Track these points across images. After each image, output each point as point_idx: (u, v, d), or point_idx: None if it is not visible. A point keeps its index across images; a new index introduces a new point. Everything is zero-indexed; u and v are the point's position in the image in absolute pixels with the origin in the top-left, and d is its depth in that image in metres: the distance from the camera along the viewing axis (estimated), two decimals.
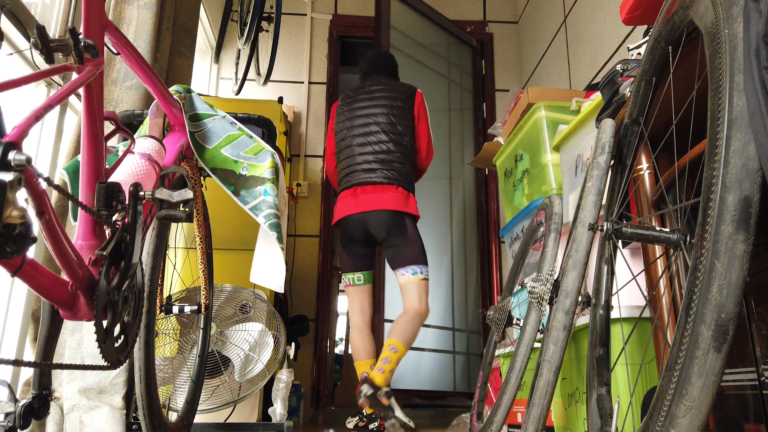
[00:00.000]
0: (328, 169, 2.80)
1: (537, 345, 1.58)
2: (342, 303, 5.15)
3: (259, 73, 3.24)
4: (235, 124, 1.69)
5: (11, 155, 0.66)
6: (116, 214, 0.96)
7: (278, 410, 2.05)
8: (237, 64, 3.65)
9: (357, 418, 2.49)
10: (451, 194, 3.84)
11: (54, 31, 1.94)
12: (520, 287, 2.02)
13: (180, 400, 1.75)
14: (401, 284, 2.51)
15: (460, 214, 3.85)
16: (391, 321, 3.04)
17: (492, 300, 3.71)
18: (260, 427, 2.01)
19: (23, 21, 1.67)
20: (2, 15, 1.59)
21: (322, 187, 3.76)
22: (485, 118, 4.03)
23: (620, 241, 1.18)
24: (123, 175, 1.22)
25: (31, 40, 0.92)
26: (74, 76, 0.94)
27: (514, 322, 1.62)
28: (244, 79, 3.10)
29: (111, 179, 1.08)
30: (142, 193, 1.01)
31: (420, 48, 3.83)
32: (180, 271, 2.27)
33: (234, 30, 3.63)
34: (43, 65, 1.13)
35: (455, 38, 4.09)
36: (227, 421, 2.00)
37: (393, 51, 3.37)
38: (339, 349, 5.49)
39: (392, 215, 2.47)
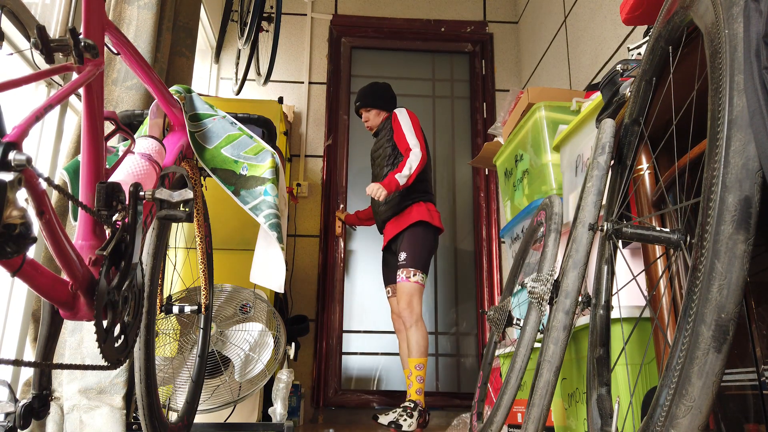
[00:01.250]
0: (425, 159, 2.89)
1: (537, 345, 1.58)
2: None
3: (259, 73, 3.24)
4: (235, 124, 1.69)
5: (11, 155, 0.66)
6: (116, 214, 0.96)
7: (278, 410, 2.04)
8: (237, 64, 3.64)
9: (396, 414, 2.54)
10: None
11: (54, 31, 1.94)
12: (520, 287, 2.02)
13: (180, 400, 1.75)
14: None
15: (448, 225, 3.86)
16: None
17: (492, 300, 3.70)
18: (260, 427, 2.01)
19: (23, 21, 1.67)
20: (2, 15, 1.59)
21: (322, 187, 3.75)
22: (485, 119, 4.03)
23: (620, 241, 1.18)
24: (123, 175, 1.22)
25: (32, 40, 0.92)
26: (74, 76, 0.94)
27: (514, 322, 1.62)
28: (244, 79, 3.09)
29: (111, 179, 1.08)
30: (142, 193, 1.01)
31: (393, 81, 3.95)
32: (180, 271, 2.27)
33: (234, 30, 3.63)
34: (44, 65, 1.13)
35: (440, 53, 4.21)
36: (227, 421, 2.00)
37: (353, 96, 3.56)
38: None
39: None
